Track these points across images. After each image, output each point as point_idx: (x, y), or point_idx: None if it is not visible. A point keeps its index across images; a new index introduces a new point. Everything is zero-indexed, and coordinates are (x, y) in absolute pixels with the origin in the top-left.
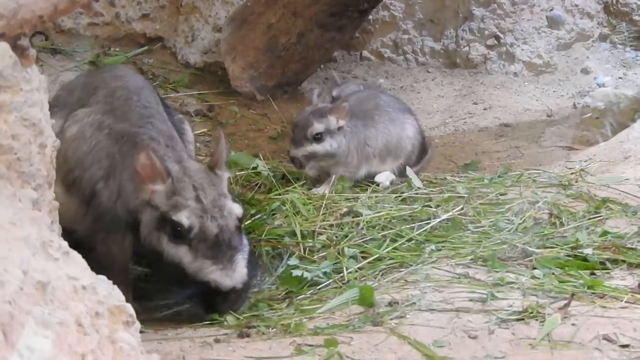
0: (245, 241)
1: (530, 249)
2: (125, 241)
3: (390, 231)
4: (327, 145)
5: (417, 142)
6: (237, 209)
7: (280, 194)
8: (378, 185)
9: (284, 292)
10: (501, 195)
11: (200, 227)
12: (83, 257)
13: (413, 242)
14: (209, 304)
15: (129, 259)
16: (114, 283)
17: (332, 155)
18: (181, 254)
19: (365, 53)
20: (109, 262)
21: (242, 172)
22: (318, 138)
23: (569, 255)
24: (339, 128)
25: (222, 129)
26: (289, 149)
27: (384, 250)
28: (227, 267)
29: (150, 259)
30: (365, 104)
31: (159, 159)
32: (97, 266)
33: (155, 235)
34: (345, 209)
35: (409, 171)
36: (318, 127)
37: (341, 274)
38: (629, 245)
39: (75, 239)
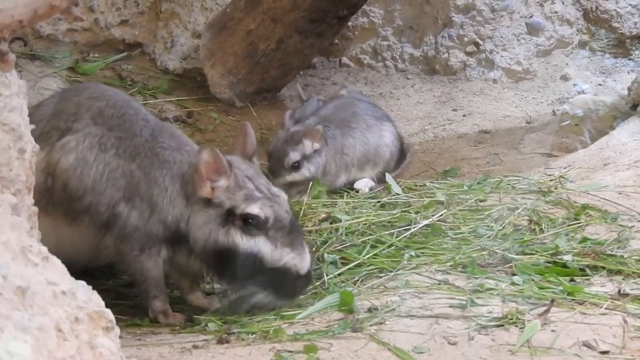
0: None
1: (509, 255)
2: (159, 255)
3: (370, 237)
4: (305, 171)
5: (396, 148)
6: (284, 194)
7: None
8: (357, 192)
9: None
10: (480, 201)
11: (276, 216)
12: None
13: (393, 248)
14: (285, 290)
15: (162, 273)
16: (152, 297)
17: (312, 179)
18: (260, 244)
19: (344, 59)
20: (144, 278)
21: None
22: (296, 167)
23: (548, 262)
24: (315, 151)
25: (201, 134)
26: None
27: (364, 256)
28: (302, 252)
29: (215, 259)
30: (342, 112)
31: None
32: (135, 282)
33: (222, 232)
34: (323, 215)
35: (389, 177)
36: (294, 156)
37: (321, 280)
38: (609, 252)
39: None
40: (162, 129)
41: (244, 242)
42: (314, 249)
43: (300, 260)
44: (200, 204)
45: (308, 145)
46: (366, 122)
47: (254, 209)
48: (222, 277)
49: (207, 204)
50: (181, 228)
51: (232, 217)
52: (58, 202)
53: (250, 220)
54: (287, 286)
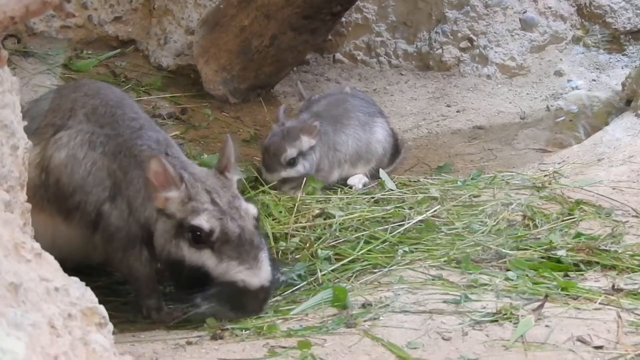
0: (263, 240)
1: (503, 250)
2: (143, 255)
3: (364, 233)
4: (301, 168)
5: (388, 144)
6: (252, 209)
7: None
8: (351, 188)
9: None
10: (474, 197)
11: (222, 229)
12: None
13: (386, 243)
14: (237, 305)
15: (153, 271)
16: (145, 296)
17: (306, 175)
18: (204, 258)
19: (338, 56)
20: (134, 278)
21: None
22: (291, 163)
23: (542, 257)
24: (310, 147)
25: (195, 131)
26: (261, 172)
27: (357, 252)
28: (253, 267)
29: (170, 269)
30: (334, 108)
31: (171, 165)
32: (127, 282)
33: (173, 243)
34: (317, 211)
35: (382, 173)
36: (291, 152)
37: (315, 276)
38: (603, 247)
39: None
40: (148, 130)
41: (190, 255)
42: (307, 245)
43: (249, 275)
44: (161, 214)
45: (305, 142)
46: (358, 118)
47: (199, 220)
48: (178, 286)
49: (163, 214)
50: (151, 230)
51: (181, 229)
52: (52, 198)
53: (197, 233)
54: (238, 301)
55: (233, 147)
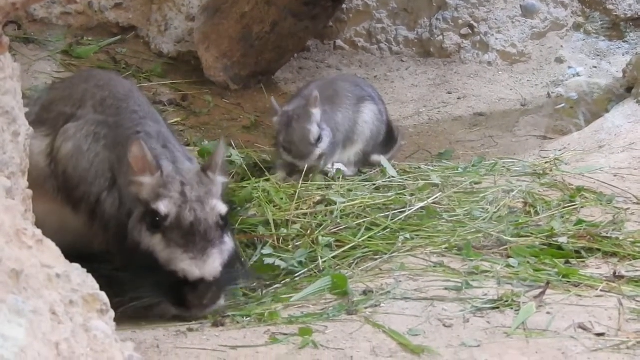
0: (227, 241)
1: (505, 237)
2: None
3: (365, 220)
4: (327, 138)
5: (377, 128)
6: (220, 207)
7: (252, 183)
8: (327, 175)
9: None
10: (475, 184)
11: (177, 215)
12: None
13: (388, 230)
14: (178, 299)
15: None
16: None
17: (332, 143)
18: (155, 242)
19: (339, 42)
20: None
21: None
22: (319, 138)
23: (543, 244)
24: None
25: (196, 118)
26: (295, 165)
27: (359, 238)
28: (197, 257)
29: (125, 254)
30: (325, 91)
31: (151, 151)
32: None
33: (137, 229)
34: (318, 198)
35: (384, 160)
36: (314, 128)
37: (316, 263)
38: (604, 234)
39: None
40: (149, 121)
41: (144, 238)
42: (308, 231)
43: (190, 265)
44: (135, 199)
45: (316, 113)
46: (348, 98)
47: (158, 204)
48: (130, 272)
49: (136, 199)
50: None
51: (145, 214)
52: (62, 187)
53: (155, 218)
54: (179, 294)
55: (223, 151)
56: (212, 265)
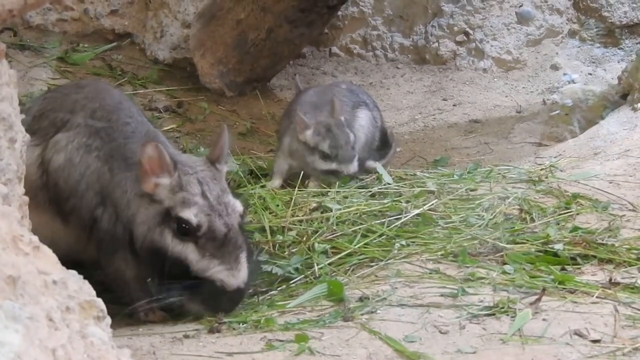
0: (245, 238)
1: (500, 244)
2: (128, 257)
3: (361, 226)
4: (357, 141)
5: (371, 134)
6: (239, 206)
7: (248, 190)
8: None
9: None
10: (471, 190)
11: (209, 225)
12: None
13: (383, 237)
14: (212, 302)
15: (141, 272)
16: (135, 299)
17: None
18: (188, 251)
19: (334, 49)
20: (123, 280)
21: None
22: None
23: (539, 251)
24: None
25: (191, 124)
26: (338, 172)
27: (354, 245)
28: (233, 267)
29: (150, 257)
30: (324, 96)
31: (166, 151)
32: (114, 286)
33: (157, 231)
34: (314, 204)
35: (379, 167)
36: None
37: (312, 270)
38: (600, 241)
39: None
40: (141, 134)
41: (173, 245)
42: (304, 238)
43: (227, 276)
44: (145, 200)
45: (344, 120)
46: (345, 104)
47: (188, 214)
48: (156, 275)
49: (150, 200)
50: (132, 230)
51: (168, 218)
52: (53, 199)
53: (183, 225)
54: (213, 298)
55: (228, 138)
56: (244, 272)
